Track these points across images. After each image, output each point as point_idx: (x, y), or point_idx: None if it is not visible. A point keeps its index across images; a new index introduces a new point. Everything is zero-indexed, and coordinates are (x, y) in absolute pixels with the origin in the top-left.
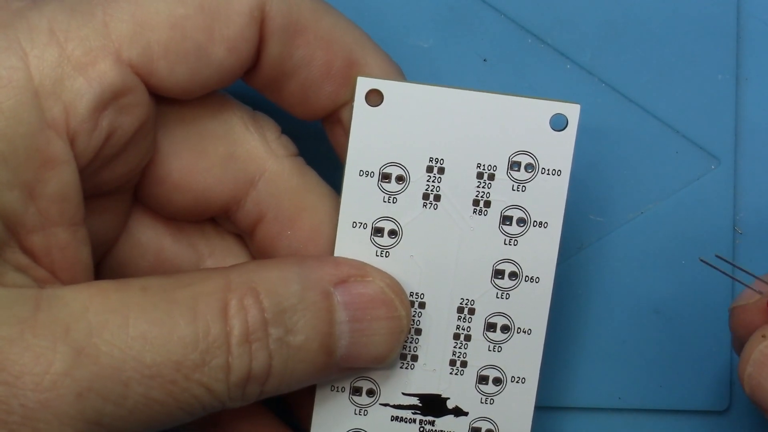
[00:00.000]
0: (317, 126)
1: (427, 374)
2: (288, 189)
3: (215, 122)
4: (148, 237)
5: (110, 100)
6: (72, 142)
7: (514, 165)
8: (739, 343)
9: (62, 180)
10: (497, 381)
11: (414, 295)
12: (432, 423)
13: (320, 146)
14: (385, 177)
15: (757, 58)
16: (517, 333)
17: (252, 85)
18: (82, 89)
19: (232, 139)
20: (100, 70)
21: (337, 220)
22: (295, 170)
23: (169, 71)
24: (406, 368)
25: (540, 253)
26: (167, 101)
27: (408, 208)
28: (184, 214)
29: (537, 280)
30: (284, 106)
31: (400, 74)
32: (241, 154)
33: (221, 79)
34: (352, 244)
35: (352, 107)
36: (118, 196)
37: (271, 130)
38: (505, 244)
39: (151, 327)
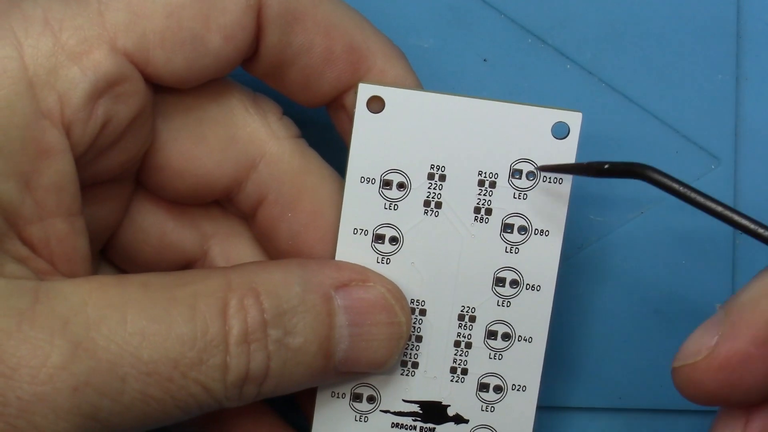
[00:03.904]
0: (320, 108)
1: (428, 381)
2: (289, 171)
3: (215, 106)
4: (151, 222)
5: (105, 89)
6: (67, 131)
7: (515, 173)
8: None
9: (58, 170)
10: (498, 389)
11: (415, 302)
12: (432, 430)
13: (323, 128)
14: (387, 184)
15: (757, 58)
16: (518, 341)
17: (252, 73)
18: (77, 78)
19: (232, 122)
20: (94, 59)
21: (339, 202)
22: (296, 152)
23: (166, 60)
24: (407, 375)
25: (541, 261)
26: (165, 88)
27: (409, 215)
28: (186, 198)
29: (538, 288)
30: (287, 93)
31: (403, 58)
32: (241, 136)
33: (219, 67)
34: (353, 250)
35: (355, 92)
36: (118, 184)
37: (272, 112)
38: (506, 251)
39: (150, 324)
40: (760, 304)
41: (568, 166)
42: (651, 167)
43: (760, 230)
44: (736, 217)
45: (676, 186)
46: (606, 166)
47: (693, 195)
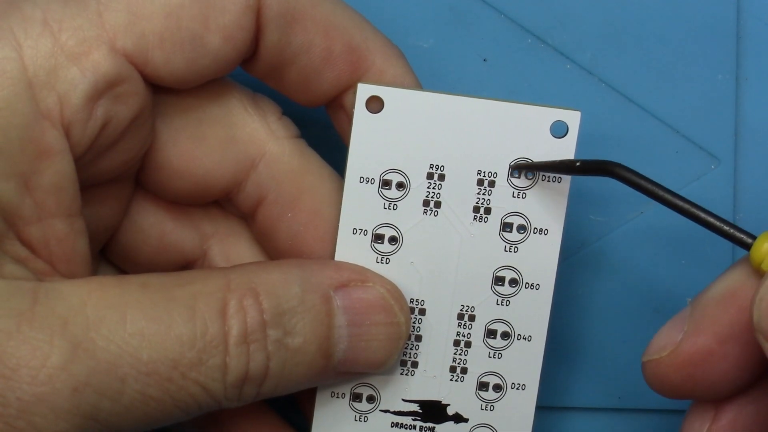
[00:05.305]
0: (320, 108)
1: (428, 380)
2: (288, 171)
3: (214, 106)
4: (151, 222)
5: (105, 89)
6: (67, 132)
7: (514, 172)
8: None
9: (58, 170)
10: (497, 387)
11: (414, 302)
12: (432, 429)
13: (323, 128)
14: (386, 184)
15: (757, 58)
16: (518, 339)
17: (252, 73)
18: (76, 79)
19: (232, 122)
20: (94, 59)
21: (339, 201)
22: (295, 152)
23: (165, 60)
24: (407, 374)
25: (540, 260)
26: (165, 88)
27: (408, 214)
28: (185, 198)
29: (537, 287)
30: (286, 93)
31: (402, 57)
32: (240, 136)
33: (218, 68)
34: (352, 250)
35: (354, 92)
36: (118, 184)
37: (271, 112)
38: (505, 250)
39: (149, 324)
40: (724, 302)
41: (541, 164)
42: (621, 165)
43: (726, 227)
44: (703, 215)
45: (644, 183)
46: (578, 164)
47: (661, 192)
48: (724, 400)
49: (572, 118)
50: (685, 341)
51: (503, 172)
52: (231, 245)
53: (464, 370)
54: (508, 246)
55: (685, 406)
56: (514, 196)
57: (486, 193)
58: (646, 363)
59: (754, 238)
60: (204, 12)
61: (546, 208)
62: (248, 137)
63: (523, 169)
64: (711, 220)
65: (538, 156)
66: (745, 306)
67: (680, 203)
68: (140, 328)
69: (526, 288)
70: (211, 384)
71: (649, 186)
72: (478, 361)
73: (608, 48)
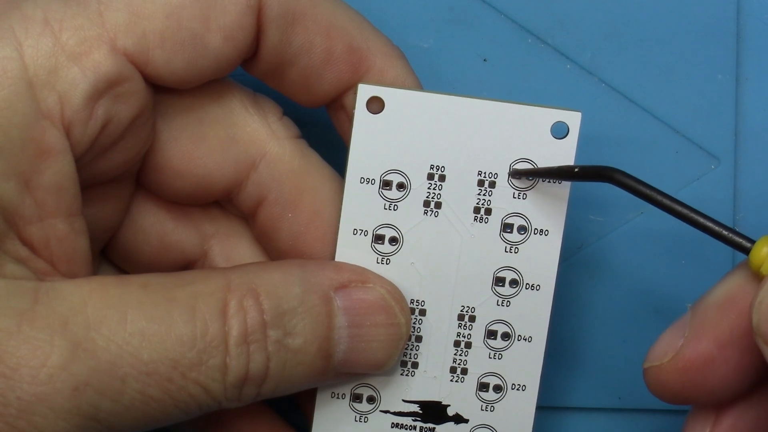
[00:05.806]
0: (320, 108)
1: (428, 381)
2: (289, 171)
3: (215, 106)
4: (151, 222)
5: (105, 89)
6: (67, 131)
7: (514, 175)
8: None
9: (58, 170)
10: (498, 388)
11: (415, 303)
12: (432, 430)
13: (323, 128)
14: (386, 184)
15: (757, 58)
16: (518, 340)
17: (252, 73)
18: (77, 79)
19: (232, 122)
20: (94, 59)
21: (339, 202)
22: (296, 152)
23: (166, 60)
24: (407, 375)
25: (541, 260)
26: (165, 88)
27: (409, 215)
28: (186, 198)
29: (537, 287)
30: (287, 93)
31: (402, 58)
32: (241, 136)
33: (219, 68)
34: (352, 251)
35: (355, 93)
36: (119, 184)
37: (272, 112)
38: (505, 251)
39: (150, 324)
40: (724, 307)
41: (540, 170)
42: (619, 170)
43: (725, 232)
44: (702, 220)
45: (643, 189)
46: (576, 170)
47: (660, 198)
48: (724, 405)
49: (573, 119)
50: (686, 347)
51: (504, 172)
52: (232, 245)
53: (464, 371)
54: (508, 247)
55: (685, 407)
56: (514, 197)
57: (486, 193)
58: (647, 369)
59: (753, 242)
60: (205, 12)
61: (546, 209)
62: (249, 137)
63: (522, 175)
64: (710, 225)
65: (539, 156)
66: (745, 310)
67: (679, 208)
68: (141, 328)
69: (526, 289)
70: (211, 384)
71: (648, 191)
72: (479, 361)
73: (608, 48)
